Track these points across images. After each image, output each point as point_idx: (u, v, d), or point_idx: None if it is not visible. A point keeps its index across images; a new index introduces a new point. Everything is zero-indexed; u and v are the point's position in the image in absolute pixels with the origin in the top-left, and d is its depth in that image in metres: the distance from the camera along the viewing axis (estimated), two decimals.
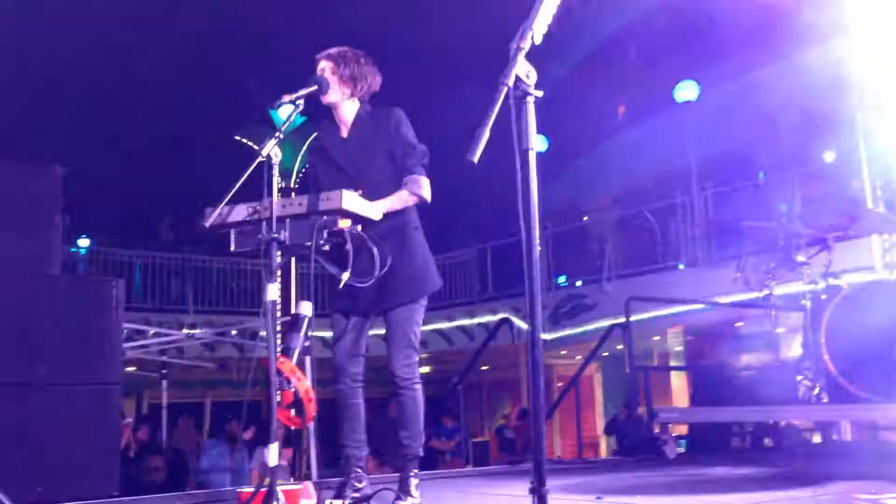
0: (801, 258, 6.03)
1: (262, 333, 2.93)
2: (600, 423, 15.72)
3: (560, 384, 15.74)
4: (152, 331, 11.01)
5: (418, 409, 3.50)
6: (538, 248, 2.09)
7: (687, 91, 13.35)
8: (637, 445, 8.89)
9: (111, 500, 3.77)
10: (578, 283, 13.73)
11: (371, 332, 3.62)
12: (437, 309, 14.18)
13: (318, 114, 3.70)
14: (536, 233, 2.07)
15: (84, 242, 14.53)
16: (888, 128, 6.21)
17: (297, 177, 14.45)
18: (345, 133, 3.59)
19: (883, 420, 6.44)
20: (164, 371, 10.81)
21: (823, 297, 5.77)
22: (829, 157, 8.49)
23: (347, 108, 3.57)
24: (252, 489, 2.90)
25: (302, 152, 13.56)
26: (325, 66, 3.52)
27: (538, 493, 1.93)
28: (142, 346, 10.67)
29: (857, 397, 5.26)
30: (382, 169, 3.48)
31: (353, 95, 3.54)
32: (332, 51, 3.57)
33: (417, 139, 3.54)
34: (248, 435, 9.20)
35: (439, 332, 15.12)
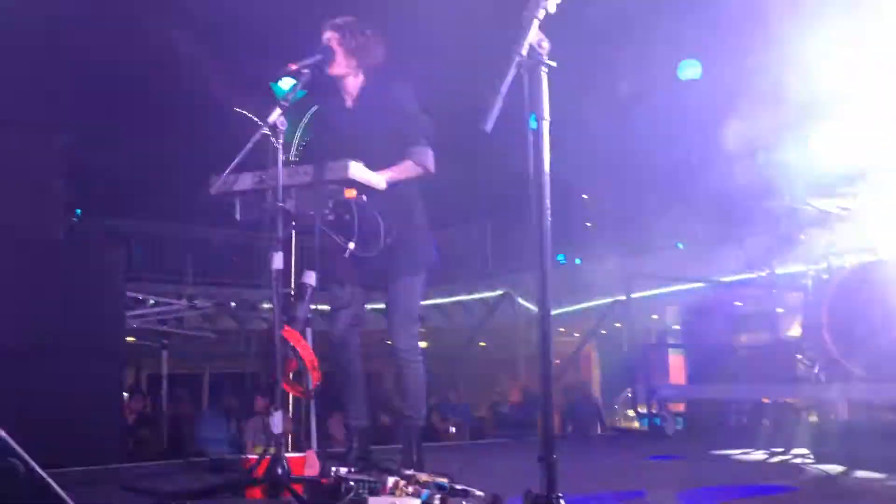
0: (802, 238, 6.03)
1: (265, 305, 2.93)
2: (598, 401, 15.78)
3: (558, 361, 15.78)
4: (152, 300, 11.01)
5: (420, 381, 3.51)
6: (549, 221, 2.08)
7: (690, 69, 13.29)
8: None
9: (115, 466, 3.79)
10: (577, 261, 13.75)
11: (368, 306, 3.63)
12: (436, 284, 14.19)
13: (323, 85, 3.67)
14: (548, 203, 2.06)
15: (79, 211, 14.47)
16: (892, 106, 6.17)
17: (296, 150, 14.40)
18: (349, 103, 3.57)
19: (880, 400, 6.47)
20: (164, 342, 10.83)
21: (825, 276, 5.77)
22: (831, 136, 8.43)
23: (352, 79, 3.54)
24: (256, 456, 2.91)
25: (301, 125, 13.52)
26: (330, 36, 3.49)
27: (547, 461, 1.93)
28: (141, 316, 10.69)
29: (855, 377, 5.28)
30: (386, 140, 3.46)
31: (358, 67, 3.51)
32: (339, 20, 3.53)
33: (422, 112, 3.52)
34: (258, 406, 9.24)
35: (438, 307, 15.14)
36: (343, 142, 3.48)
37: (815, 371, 5.71)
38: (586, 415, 11.36)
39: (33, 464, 1.58)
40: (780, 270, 6.47)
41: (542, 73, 2.09)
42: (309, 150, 3.67)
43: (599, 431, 11.80)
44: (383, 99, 3.51)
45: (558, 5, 2.11)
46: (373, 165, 3.21)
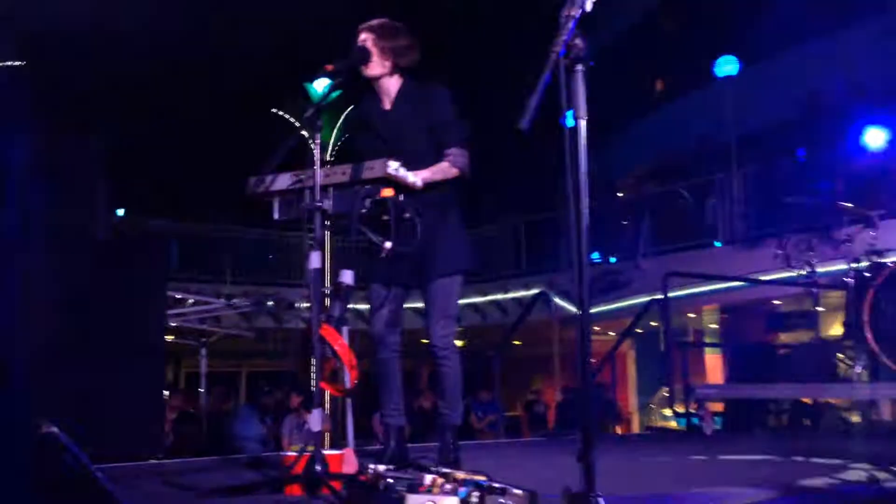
0: (844, 236, 5.95)
1: (303, 304, 2.96)
2: (634, 400, 15.70)
3: (594, 360, 15.69)
4: (191, 299, 11.16)
5: (457, 379, 3.53)
6: (586, 219, 2.08)
7: (727, 66, 13.14)
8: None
9: (157, 461, 3.85)
10: (612, 260, 13.66)
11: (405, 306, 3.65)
12: (470, 283, 14.20)
13: (358, 86, 3.70)
14: (586, 202, 2.06)
15: (120, 212, 14.70)
16: None
17: (332, 150, 14.50)
18: (387, 105, 3.59)
19: None
20: (203, 340, 10.97)
21: (867, 274, 5.68)
22: (875, 134, 8.32)
23: (389, 82, 3.56)
24: (296, 454, 2.94)
25: (338, 126, 13.62)
26: (366, 38, 3.51)
27: (586, 460, 1.94)
28: (181, 315, 10.83)
29: None
30: (423, 142, 3.49)
31: (394, 68, 3.54)
32: (374, 22, 3.55)
33: (458, 115, 3.54)
34: (294, 403, 9.34)
35: (473, 306, 15.15)
36: (381, 143, 3.51)
37: (857, 370, 5.63)
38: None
39: (86, 459, 1.62)
40: (820, 269, 6.38)
41: (579, 72, 2.09)
42: (348, 151, 3.70)
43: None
44: (421, 101, 3.54)
45: (594, 4, 2.11)
46: (410, 166, 3.23)
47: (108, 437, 3.81)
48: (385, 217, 3.11)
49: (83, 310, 4.03)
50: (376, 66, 3.50)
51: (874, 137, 8.74)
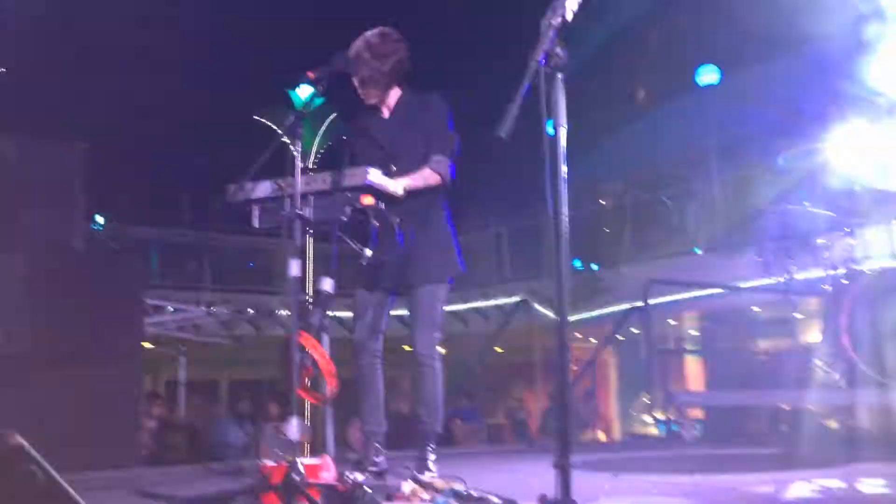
0: (822, 243, 5.99)
1: (284, 312, 2.95)
2: (615, 407, 15.73)
3: (575, 367, 15.73)
4: (170, 307, 11.08)
5: (438, 387, 3.52)
6: (566, 226, 2.08)
7: (708, 74, 13.24)
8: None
9: (133, 470, 3.81)
10: (594, 267, 13.70)
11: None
12: (452, 290, 14.17)
13: (344, 93, 3.70)
14: (566, 209, 2.06)
15: (100, 219, 14.58)
16: None
17: (315, 158, 14.46)
18: (386, 114, 3.63)
19: None
20: (182, 348, 10.89)
21: (845, 282, 5.73)
22: (851, 140, 8.38)
23: (389, 95, 3.59)
24: (273, 462, 2.92)
25: (320, 133, 13.58)
26: (360, 49, 3.52)
27: (562, 467, 1.93)
28: (159, 323, 10.75)
29: (875, 382, 5.24)
30: (419, 151, 3.50)
31: (390, 83, 3.55)
32: (368, 34, 3.55)
33: (452, 129, 3.55)
34: (273, 411, 9.29)
35: (454, 313, 15.14)
36: (376, 148, 3.52)
37: (835, 377, 5.67)
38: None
39: (52, 471, 1.60)
40: (799, 276, 6.42)
41: (559, 80, 2.10)
42: (329, 160, 3.70)
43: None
44: (419, 110, 3.56)
45: (575, 14, 2.12)
46: (402, 172, 3.25)
47: (83, 446, 3.77)
48: (365, 225, 3.11)
49: (58, 317, 3.99)
50: (372, 97, 3.53)
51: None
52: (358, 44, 3.53)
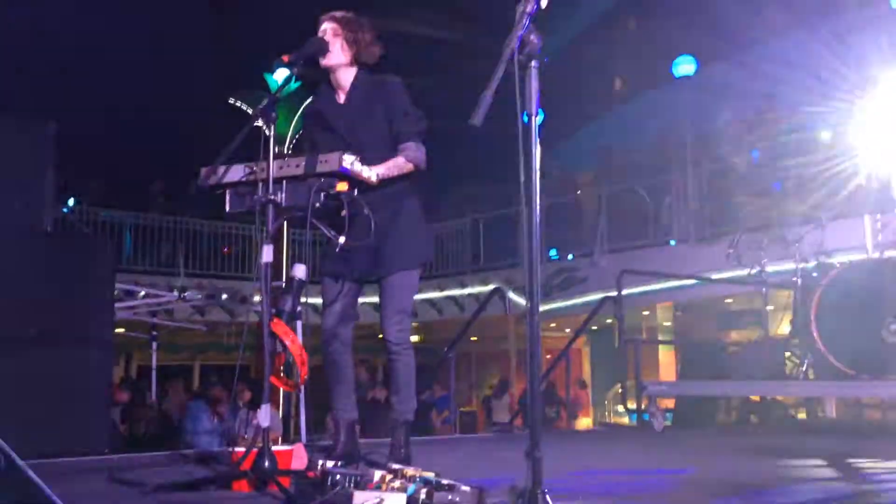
0: (793, 236, 6.06)
1: (256, 298, 2.93)
2: (589, 396, 15.84)
3: (549, 356, 15.82)
4: (142, 292, 10.98)
5: (410, 375, 3.50)
6: (538, 216, 2.07)
7: (685, 66, 13.30)
8: None
9: (104, 457, 3.78)
10: (570, 257, 13.75)
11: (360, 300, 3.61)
12: (428, 278, 14.18)
13: (314, 79, 3.66)
14: (538, 200, 2.06)
15: (71, 202, 14.41)
16: (885, 107, 6.21)
17: (290, 142, 14.37)
18: (342, 98, 3.55)
19: (868, 398, 6.51)
20: (155, 333, 10.81)
21: (814, 274, 5.80)
22: (825, 135, 8.49)
23: (345, 73, 3.52)
24: (243, 449, 2.91)
25: (296, 118, 13.48)
26: (327, 28, 3.47)
27: (533, 456, 1.94)
28: (131, 308, 10.65)
29: (843, 374, 5.31)
30: (379, 135, 3.46)
31: (352, 61, 3.50)
32: (337, 14, 3.51)
33: (413, 107, 3.51)
34: (245, 398, 9.25)
35: (430, 301, 15.14)
36: (335, 136, 3.47)
37: (804, 368, 5.74)
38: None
39: (15, 457, 1.57)
40: (770, 268, 6.49)
41: (534, 68, 2.09)
42: (299, 146, 3.65)
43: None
44: (375, 94, 3.50)
45: (550, 1, 2.11)
46: (366, 160, 3.20)
47: (52, 431, 3.73)
48: (338, 211, 3.09)
49: (26, 301, 3.93)
50: (334, 56, 3.45)
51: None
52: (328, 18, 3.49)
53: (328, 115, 3.55)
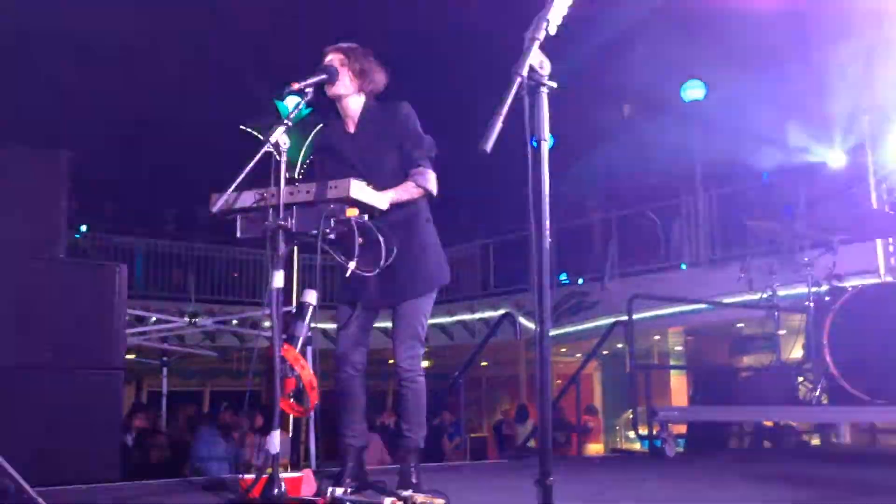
0: (805, 260, 6.03)
1: (266, 324, 2.93)
2: (600, 421, 15.72)
3: (559, 381, 15.74)
4: (153, 318, 11.00)
5: (420, 402, 3.49)
6: (548, 240, 2.07)
7: (694, 90, 13.32)
8: None
9: (113, 484, 3.77)
10: (580, 281, 13.73)
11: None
12: (438, 303, 14.08)
13: (323, 107, 3.68)
14: (547, 224, 2.06)
15: (83, 228, 14.50)
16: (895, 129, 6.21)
17: (300, 168, 14.43)
18: (351, 128, 3.57)
19: (882, 423, 6.44)
20: (165, 359, 10.82)
21: (827, 298, 5.76)
22: (835, 158, 8.48)
23: (354, 103, 3.54)
24: (253, 476, 2.90)
25: (306, 144, 13.56)
26: (333, 58, 3.50)
27: (543, 484, 1.92)
28: (142, 333, 10.67)
29: (857, 400, 5.25)
30: (391, 163, 3.47)
31: (360, 90, 3.52)
32: (342, 44, 3.55)
33: (422, 131, 3.53)
34: (257, 423, 9.24)
35: (440, 326, 15.12)
36: (347, 167, 3.47)
37: (817, 394, 5.69)
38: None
39: (25, 484, 1.57)
40: (782, 292, 6.46)
41: (543, 94, 2.10)
42: (312, 176, 3.65)
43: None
44: (385, 121, 3.52)
45: (559, 27, 2.12)
46: (376, 187, 3.21)
47: (62, 459, 3.72)
48: (349, 237, 3.10)
49: (39, 328, 3.94)
50: (343, 87, 3.48)
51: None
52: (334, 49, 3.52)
53: (339, 146, 3.57)
